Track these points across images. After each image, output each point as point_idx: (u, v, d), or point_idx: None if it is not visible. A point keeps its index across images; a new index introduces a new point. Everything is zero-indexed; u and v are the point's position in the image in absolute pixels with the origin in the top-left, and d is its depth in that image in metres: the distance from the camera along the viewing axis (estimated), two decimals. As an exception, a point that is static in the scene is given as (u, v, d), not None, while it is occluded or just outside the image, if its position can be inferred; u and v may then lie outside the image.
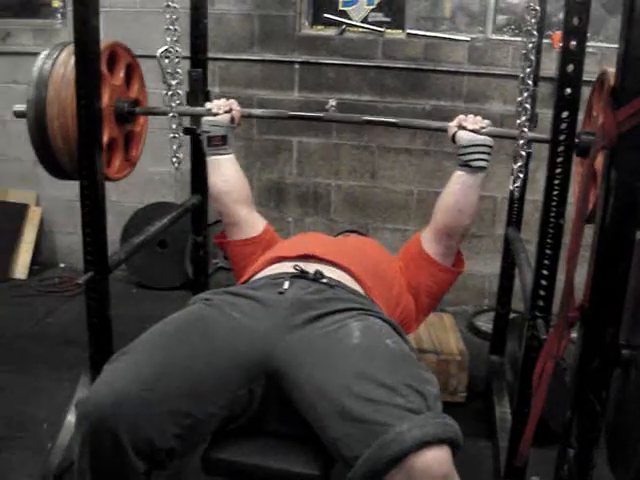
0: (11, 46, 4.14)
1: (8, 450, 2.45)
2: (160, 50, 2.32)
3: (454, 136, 2.11)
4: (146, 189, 4.12)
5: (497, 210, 3.80)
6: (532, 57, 2.09)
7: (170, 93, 2.34)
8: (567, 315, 1.47)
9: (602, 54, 3.47)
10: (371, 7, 3.87)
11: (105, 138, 2.16)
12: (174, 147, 2.38)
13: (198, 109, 2.41)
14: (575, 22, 1.68)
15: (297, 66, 3.87)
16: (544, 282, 1.88)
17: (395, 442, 1.35)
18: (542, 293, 1.89)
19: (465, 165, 2.06)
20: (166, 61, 2.32)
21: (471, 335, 3.64)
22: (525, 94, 2.09)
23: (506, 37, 3.82)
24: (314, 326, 1.66)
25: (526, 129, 2.05)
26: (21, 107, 2.17)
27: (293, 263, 1.90)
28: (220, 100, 2.33)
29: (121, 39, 2.35)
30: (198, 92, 2.57)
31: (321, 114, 2.40)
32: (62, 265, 4.47)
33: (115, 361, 1.59)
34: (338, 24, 3.87)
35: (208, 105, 2.33)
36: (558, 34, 3.45)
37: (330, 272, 1.88)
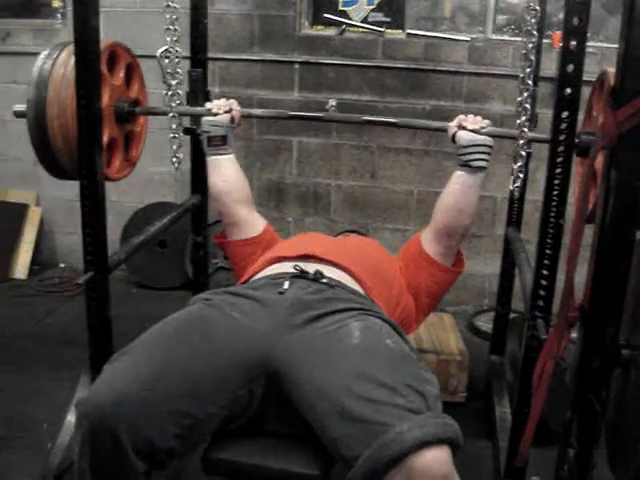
0: (11, 46, 4.14)
1: (8, 450, 2.45)
2: (160, 50, 2.32)
3: (454, 136, 2.11)
4: (146, 189, 4.12)
5: (497, 210, 3.80)
6: (532, 57, 2.09)
7: (170, 93, 2.34)
8: (567, 315, 1.47)
9: (602, 54, 3.47)
10: (371, 7, 3.87)
11: (105, 138, 2.16)
12: (174, 147, 2.38)
13: (198, 109, 2.41)
14: (575, 22, 1.68)
15: (297, 66, 3.88)
16: (544, 282, 1.88)
17: (395, 442, 1.35)
18: (542, 293, 1.89)
19: (465, 165, 2.06)
20: (166, 61, 2.32)
21: (471, 335, 3.64)
22: (525, 94, 2.09)
23: (506, 37, 3.82)
24: (314, 326, 1.66)
25: (526, 129, 2.05)
26: (21, 107, 2.17)
27: (293, 263, 1.90)
28: (220, 100, 2.33)
29: (121, 39, 2.35)
30: (198, 92, 2.57)
31: (321, 114, 2.39)
32: (62, 265, 4.47)
33: (115, 361, 1.59)
34: (338, 24, 3.87)
35: (208, 105, 2.33)
36: (558, 34, 3.45)
37: (330, 272, 1.88)
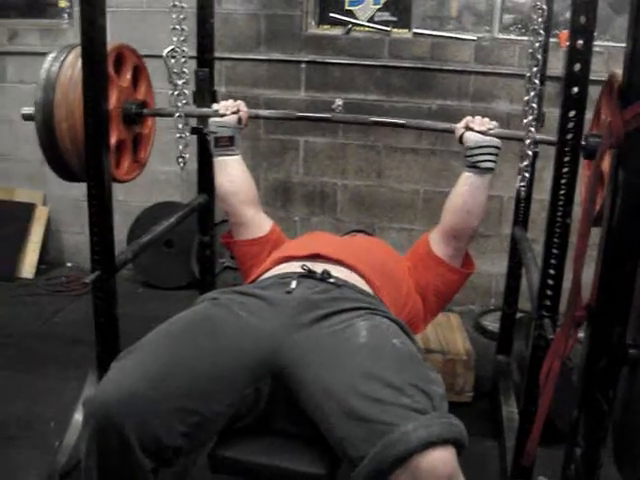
0: (18, 46, 4.15)
1: (16, 448, 2.46)
2: (166, 50, 2.33)
3: (461, 137, 2.11)
4: (153, 188, 4.13)
5: (504, 209, 3.80)
6: (539, 56, 2.09)
7: (176, 93, 2.34)
8: (574, 314, 1.47)
9: (609, 53, 3.46)
10: (377, 6, 3.86)
11: (113, 140, 2.17)
12: (180, 147, 2.39)
13: (206, 110, 2.41)
14: (582, 21, 1.68)
15: (303, 65, 3.88)
16: (551, 281, 1.87)
17: (400, 442, 1.35)
18: (549, 292, 1.88)
19: (473, 166, 2.06)
20: (172, 61, 2.32)
21: (478, 335, 3.64)
22: (532, 93, 2.08)
23: (513, 36, 3.81)
24: (321, 325, 1.66)
25: (533, 129, 2.05)
26: (29, 110, 2.18)
27: (301, 263, 1.90)
28: (228, 101, 2.33)
29: (127, 39, 2.36)
30: (205, 92, 2.57)
31: (329, 115, 2.39)
32: (69, 264, 4.48)
33: (122, 359, 1.59)
34: (344, 23, 3.87)
35: (215, 106, 2.33)
36: (565, 33, 3.44)
37: (337, 271, 1.88)
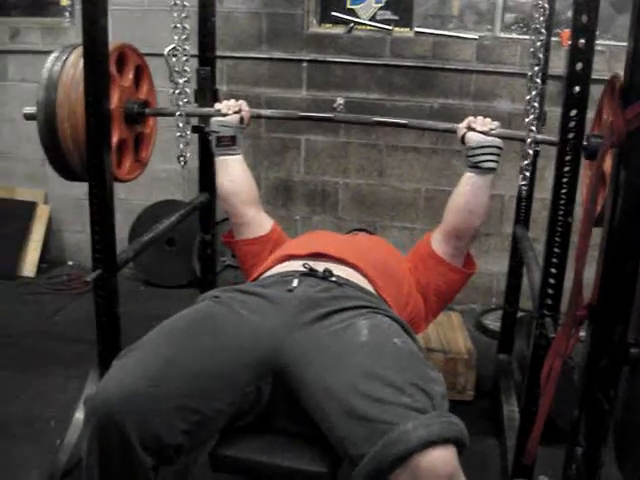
0: (19, 45, 4.15)
1: (17, 447, 2.46)
2: (168, 48, 2.33)
3: (463, 137, 2.11)
4: (154, 187, 4.13)
5: (505, 208, 3.80)
6: (540, 55, 2.09)
7: (177, 92, 2.34)
8: (575, 313, 1.47)
9: (610, 52, 3.46)
10: (379, 5, 3.86)
11: (115, 139, 2.17)
12: (181, 146, 2.39)
13: (207, 110, 2.41)
14: (584, 20, 1.68)
15: (305, 64, 3.87)
16: (552, 280, 1.87)
17: (400, 441, 1.35)
18: (550, 291, 1.88)
19: (475, 166, 2.06)
20: (173, 59, 2.32)
21: (479, 334, 3.64)
22: (533, 92, 2.08)
23: (514, 35, 3.81)
24: (322, 324, 1.66)
25: (534, 129, 2.05)
26: (31, 109, 2.18)
27: (302, 261, 1.90)
28: (230, 101, 2.33)
29: (129, 37, 2.36)
30: (206, 90, 2.57)
31: (331, 114, 2.39)
32: (70, 263, 4.48)
33: (123, 357, 1.59)
34: (346, 22, 3.87)
35: (217, 106, 2.33)
36: (567, 32, 3.44)
37: (339, 270, 1.88)
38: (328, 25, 3.95)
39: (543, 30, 2.07)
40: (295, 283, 1.78)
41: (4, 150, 4.36)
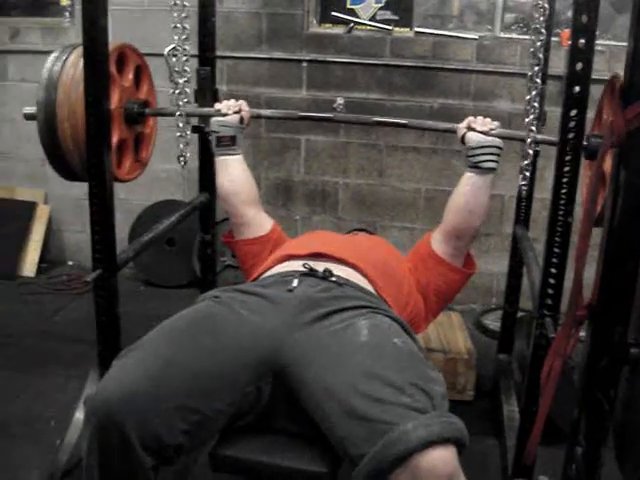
0: (19, 45, 4.15)
1: (17, 447, 2.46)
2: (167, 48, 2.32)
3: (463, 137, 2.11)
4: (154, 187, 4.13)
5: (505, 208, 3.80)
6: (540, 55, 2.09)
7: (177, 92, 2.34)
8: (575, 313, 1.47)
9: (610, 52, 3.46)
10: (379, 5, 3.86)
11: (115, 139, 2.17)
12: (181, 146, 2.39)
13: (207, 110, 2.41)
14: (584, 20, 1.68)
15: (305, 64, 3.87)
16: (552, 280, 1.87)
17: (400, 441, 1.35)
18: (550, 291, 1.88)
19: (475, 166, 2.06)
20: (173, 59, 2.32)
21: (479, 334, 3.64)
22: (533, 92, 2.08)
23: (514, 35, 3.81)
24: (322, 324, 1.66)
25: (534, 128, 2.05)
26: (31, 109, 2.18)
27: (302, 261, 1.90)
28: (230, 101, 2.33)
29: (129, 37, 2.36)
30: (206, 90, 2.57)
31: (331, 115, 2.40)
32: (70, 263, 4.48)
33: (123, 357, 1.59)
34: (346, 22, 3.87)
35: (217, 106, 2.33)
36: (567, 32, 3.44)
37: (339, 270, 1.88)
38: (328, 25, 3.95)
39: (543, 30, 2.07)
40: (295, 283, 1.78)
41: (4, 150, 4.36)
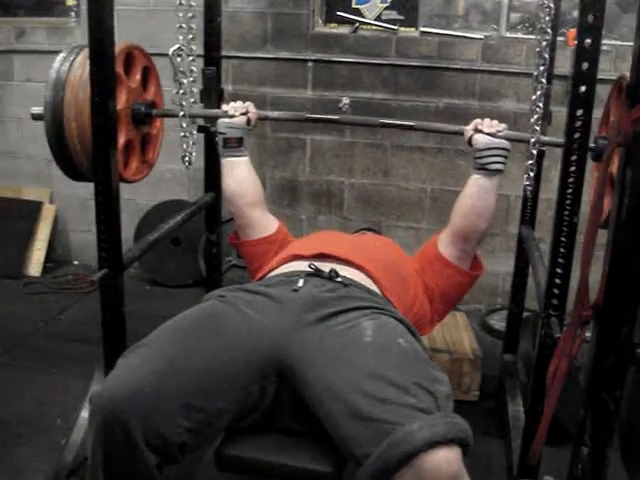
0: (25, 44, 4.16)
1: (22, 446, 2.47)
2: (172, 48, 2.32)
3: (470, 139, 2.11)
4: (159, 187, 4.13)
5: (510, 208, 3.79)
6: (546, 55, 2.08)
7: (182, 92, 2.34)
8: (581, 313, 1.47)
9: (616, 52, 3.45)
10: (385, 5, 3.86)
11: (122, 140, 2.17)
12: (184, 146, 2.39)
13: (215, 111, 2.42)
14: (590, 19, 1.67)
15: (310, 64, 3.87)
16: (558, 280, 1.87)
17: (405, 442, 1.35)
18: (556, 291, 1.88)
19: (482, 168, 2.05)
20: (178, 59, 2.32)
21: (484, 334, 3.63)
22: (539, 92, 2.08)
23: (520, 35, 3.80)
24: (327, 324, 1.66)
25: (538, 129, 2.04)
26: (38, 109, 2.18)
27: (308, 262, 1.90)
28: (237, 102, 2.33)
29: (134, 37, 2.36)
30: (212, 90, 2.57)
31: (337, 117, 2.39)
32: (76, 262, 4.49)
33: (128, 355, 1.60)
34: (351, 22, 3.87)
35: (225, 107, 2.33)
36: (573, 32, 3.43)
37: (345, 271, 1.89)
38: (333, 25, 3.95)
39: (549, 30, 2.06)
40: (300, 283, 1.78)
41: (10, 150, 4.37)
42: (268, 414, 1.67)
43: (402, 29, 3.83)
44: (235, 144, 2.26)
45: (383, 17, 3.87)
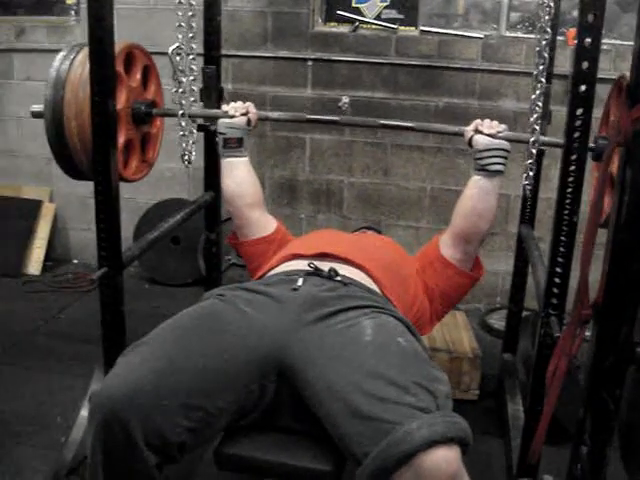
0: (25, 43, 4.16)
1: (22, 444, 2.47)
2: (172, 47, 2.32)
3: (471, 140, 2.11)
4: (159, 185, 4.13)
5: (510, 208, 3.79)
6: (546, 54, 2.08)
7: (181, 90, 2.34)
8: (581, 313, 1.47)
9: (616, 51, 3.45)
10: (384, 4, 3.86)
11: (122, 140, 2.17)
12: (183, 145, 2.39)
13: (215, 111, 2.42)
14: (590, 19, 1.67)
15: (310, 63, 3.87)
16: (558, 280, 1.87)
17: (404, 441, 1.35)
18: (556, 291, 1.88)
19: (482, 169, 2.05)
20: (177, 58, 2.32)
21: (484, 333, 3.64)
22: (538, 92, 2.08)
23: (520, 34, 3.80)
24: (327, 323, 1.66)
25: (538, 128, 2.04)
26: (38, 108, 2.18)
27: (308, 261, 1.90)
28: (237, 102, 2.33)
29: (134, 36, 2.36)
30: (212, 89, 2.57)
31: (337, 118, 2.39)
32: (75, 261, 4.49)
33: (128, 354, 1.60)
34: (351, 21, 3.87)
35: (225, 108, 2.33)
36: (572, 31, 3.44)
37: (345, 270, 1.89)
38: (333, 24, 3.95)
39: (549, 29, 2.06)
40: (300, 282, 1.78)
41: (10, 148, 4.37)
42: (268, 413, 1.67)
43: (402, 28, 3.83)
44: (235, 144, 2.26)
45: (383, 16, 3.87)
